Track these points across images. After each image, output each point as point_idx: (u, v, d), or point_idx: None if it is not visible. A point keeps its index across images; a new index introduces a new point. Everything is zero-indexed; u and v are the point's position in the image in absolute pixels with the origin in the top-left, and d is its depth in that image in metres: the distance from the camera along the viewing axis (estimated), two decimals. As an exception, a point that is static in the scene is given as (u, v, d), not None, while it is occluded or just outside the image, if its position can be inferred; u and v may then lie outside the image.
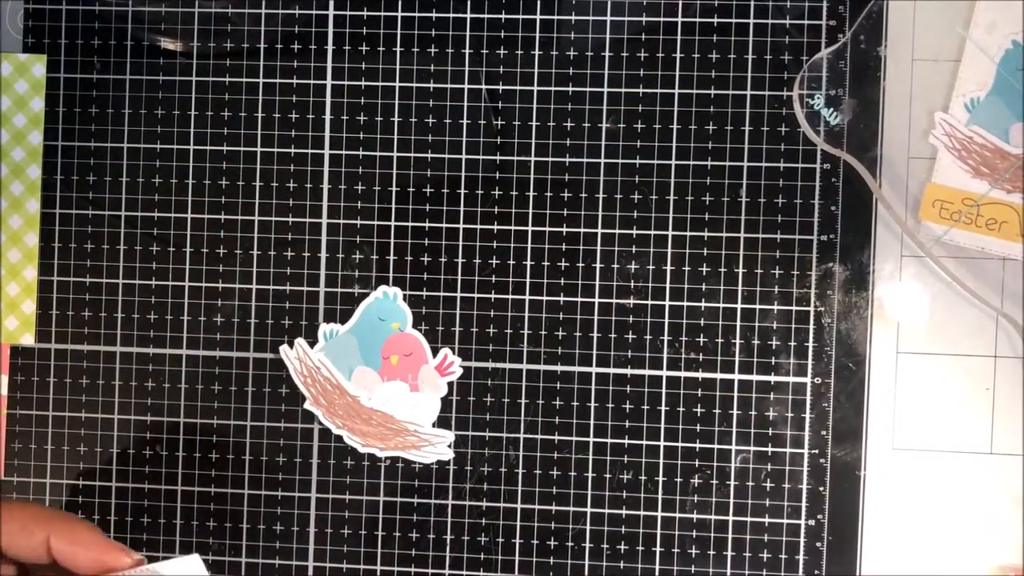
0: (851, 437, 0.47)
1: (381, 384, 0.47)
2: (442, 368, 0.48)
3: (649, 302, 0.48)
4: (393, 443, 0.48)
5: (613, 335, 0.48)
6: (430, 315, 0.48)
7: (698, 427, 0.48)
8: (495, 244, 0.49)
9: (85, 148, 0.50)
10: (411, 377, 0.48)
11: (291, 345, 0.48)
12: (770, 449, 0.48)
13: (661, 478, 0.48)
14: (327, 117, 0.49)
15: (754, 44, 0.48)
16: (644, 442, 0.48)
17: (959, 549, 0.47)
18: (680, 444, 0.48)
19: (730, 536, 0.48)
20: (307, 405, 0.48)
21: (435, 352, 0.48)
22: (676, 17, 0.48)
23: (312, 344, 0.48)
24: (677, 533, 0.48)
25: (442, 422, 0.48)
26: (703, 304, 0.48)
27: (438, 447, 0.48)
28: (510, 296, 0.49)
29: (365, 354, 0.48)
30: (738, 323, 0.48)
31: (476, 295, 0.49)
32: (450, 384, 0.48)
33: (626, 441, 0.48)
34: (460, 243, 0.49)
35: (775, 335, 0.48)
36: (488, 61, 0.49)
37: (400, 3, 0.49)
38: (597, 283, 0.48)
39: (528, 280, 0.49)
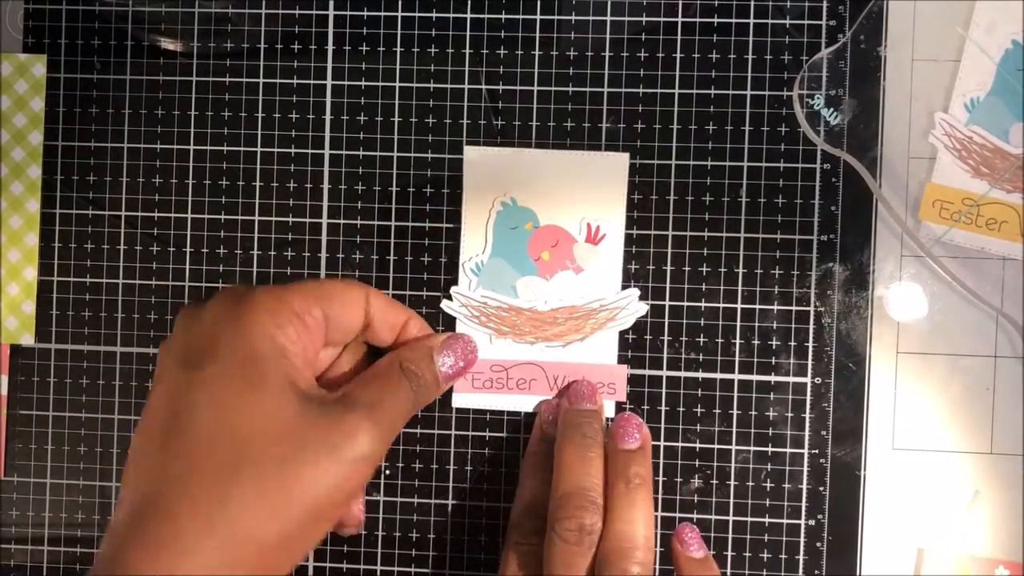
0: (851, 437, 0.47)
1: (547, 284, 0.47)
2: (593, 238, 0.47)
3: (649, 302, 0.48)
4: (589, 327, 0.47)
5: (613, 335, 0.48)
6: (430, 315, 0.48)
7: (698, 427, 0.48)
8: (495, 244, 0.49)
9: (85, 148, 0.50)
10: (569, 262, 0.47)
11: (450, 298, 0.48)
12: (770, 449, 0.48)
13: (661, 478, 0.48)
14: (327, 117, 0.49)
15: (754, 44, 0.48)
16: (644, 442, 0.48)
17: (958, 549, 0.47)
18: (680, 444, 0.48)
19: (730, 536, 0.48)
20: (495, 340, 0.47)
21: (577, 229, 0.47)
22: (676, 17, 0.48)
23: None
24: (677, 533, 0.48)
25: (625, 277, 0.48)
26: (703, 304, 0.48)
27: (631, 307, 0.47)
28: (510, 296, 0.49)
29: (517, 266, 0.47)
30: (738, 323, 0.48)
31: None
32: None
33: (626, 441, 0.48)
34: (460, 243, 0.49)
35: (775, 335, 0.48)
36: (488, 61, 0.49)
37: (400, 3, 0.49)
38: (597, 283, 0.48)
39: (528, 280, 0.49)
